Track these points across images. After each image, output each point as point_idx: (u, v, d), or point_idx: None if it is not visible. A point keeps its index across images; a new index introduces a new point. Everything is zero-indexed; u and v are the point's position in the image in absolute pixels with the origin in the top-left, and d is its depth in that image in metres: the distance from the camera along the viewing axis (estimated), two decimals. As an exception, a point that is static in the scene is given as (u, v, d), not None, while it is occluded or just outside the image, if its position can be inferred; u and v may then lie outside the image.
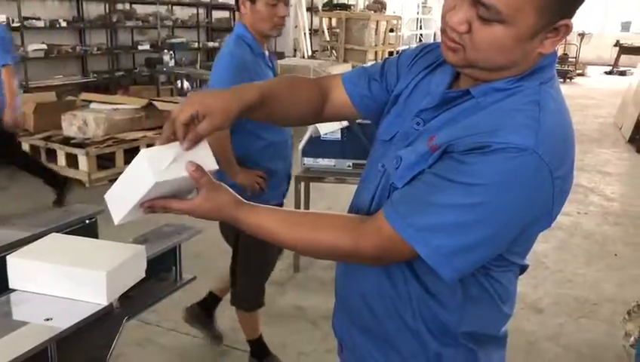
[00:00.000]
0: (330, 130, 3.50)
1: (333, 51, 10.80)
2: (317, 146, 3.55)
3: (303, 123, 1.35)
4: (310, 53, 11.66)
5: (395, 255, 1.03)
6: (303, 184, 3.76)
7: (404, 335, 1.14)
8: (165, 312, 3.12)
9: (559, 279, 3.89)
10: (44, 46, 7.88)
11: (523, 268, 1.17)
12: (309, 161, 3.60)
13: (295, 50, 12.32)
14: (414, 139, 1.07)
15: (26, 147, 5.82)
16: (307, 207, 4.00)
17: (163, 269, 1.42)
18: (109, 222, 1.34)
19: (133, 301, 1.26)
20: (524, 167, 0.92)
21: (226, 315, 3.24)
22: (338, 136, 3.52)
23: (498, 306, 1.14)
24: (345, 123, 3.45)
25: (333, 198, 4.82)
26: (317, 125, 3.51)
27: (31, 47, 7.67)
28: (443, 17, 0.99)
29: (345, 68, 9.13)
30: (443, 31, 1.00)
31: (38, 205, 4.88)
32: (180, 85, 8.59)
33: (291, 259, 3.79)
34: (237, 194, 1.10)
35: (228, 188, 1.10)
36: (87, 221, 1.51)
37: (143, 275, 1.24)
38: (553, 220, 1.04)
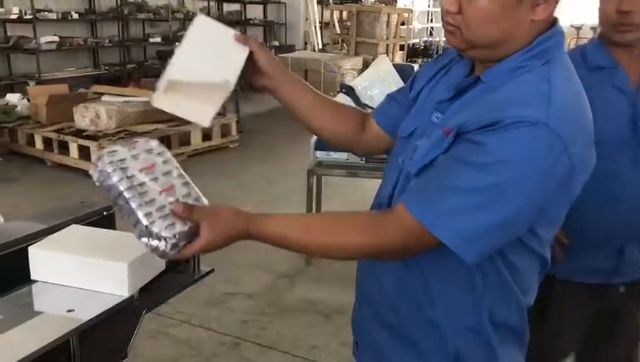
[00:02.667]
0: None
1: (344, 44, 10.77)
2: (330, 140, 3.53)
3: (338, 142, 1.37)
4: (321, 46, 11.64)
5: (420, 244, 1.01)
6: (315, 178, 3.75)
7: (424, 330, 1.14)
8: (178, 304, 3.13)
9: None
10: (57, 38, 7.91)
11: (544, 263, 1.15)
12: (321, 155, 3.59)
13: (305, 44, 12.31)
14: (432, 131, 1.08)
15: (38, 139, 5.86)
16: (319, 200, 3.99)
17: (180, 262, 1.42)
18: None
19: (152, 293, 1.26)
20: (537, 140, 0.93)
21: (237, 309, 3.25)
22: (351, 129, 3.50)
23: (517, 297, 1.13)
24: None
25: (346, 192, 4.81)
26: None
27: (43, 40, 7.69)
28: (441, 6, 1.05)
29: (356, 61, 9.10)
30: (442, 18, 1.05)
31: (49, 197, 4.91)
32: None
33: (303, 252, 3.79)
34: (235, 207, 1.06)
35: (224, 205, 1.07)
36: (104, 213, 1.50)
37: (164, 267, 1.24)
38: (572, 199, 1.03)
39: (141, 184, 0.98)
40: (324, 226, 1.07)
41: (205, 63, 1.13)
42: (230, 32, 1.18)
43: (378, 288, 1.18)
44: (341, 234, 1.04)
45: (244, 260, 3.86)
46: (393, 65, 3.55)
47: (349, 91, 3.43)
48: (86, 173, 5.46)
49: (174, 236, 0.96)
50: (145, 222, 0.94)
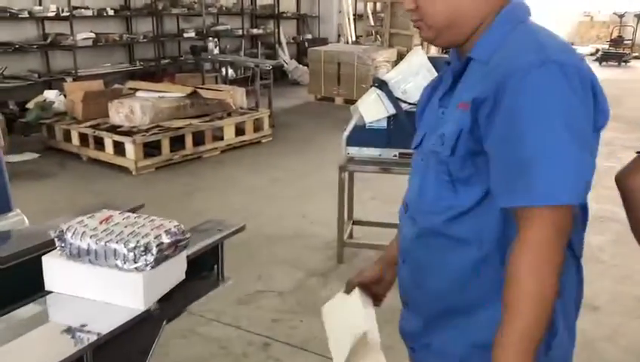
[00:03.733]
0: (375, 118, 3.40)
1: (378, 36, 10.61)
2: (361, 135, 3.45)
3: None
4: (354, 38, 11.51)
5: (560, 230, 1.00)
6: (347, 174, 3.68)
7: (482, 315, 1.12)
8: (209, 301, 3.11)
9: (616, 275, 3.71)
10: (93, 35, 8.00)
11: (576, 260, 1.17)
12: (352, 151, 3.51)
13: (339, 36, 12.19)
14: (445, 120, 1.14)
15: (74, 135, 5.94)
16: (351, 196, 3.92)
17: (205, 268, 1.37)
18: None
19: (173, 302, 1.21)
20: (554, 75, 0.99)
21: (267, 307, 3.21)
22: (384, 124, 3.41)
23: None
24: (392, 110, 3.35)
25: (378, 188, 4.73)
26: (361, 112, 3.41)
27: (80, 36, 7.79)
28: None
29: (390, 53, 8.96)
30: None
31: (84, 192, 4.97)
32: (224, 73, 8.60)
33: (334, 249, 3.73)
34: None
35: None
36: (128, 216, 1.46)
37: (183, 277, 1.20)
38: (600, 127, 1.07)
39: None
40: (517, 308, 1.00)
41: (345, 335, 1.21)
42: (353, 298, 1.28)
43: (434, 289, 1.18)
44: (529, 294, 1.00)
45: (274, 257, 3.82)
46: (428, 57, 3.42)
47: (382, 85, 3.34)
48: (120, 168, 5.52)
49: None
50: None
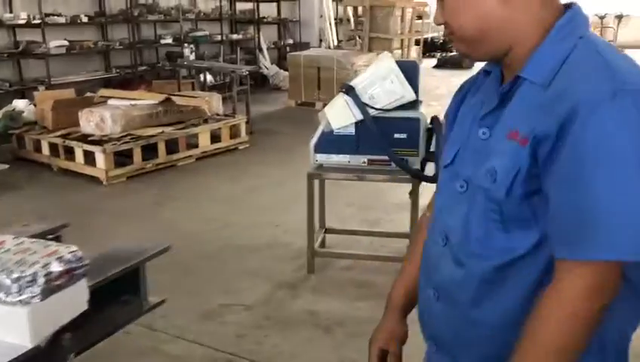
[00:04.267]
0: (343, 124, 3.30)
1: (359, 40, 10.54)
2: (330, 142, 3.35)
3: None
4: (336, 43, 11.43)
5: (609, 283, 0.91)
6: (317, 182, 3.58)
7: None
8: (173, 317, 2.99)
9: None
10: (66, 42, 7.84)
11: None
12: (321, 158, 3.40)
13: (320, 41, 12.11)
14: (491, 148, 1.02)
15: (44, 145, 5.79)
16: (322, 203, 3.82)
17: (126, 292, 1.26)
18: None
19: (84, 333, 1.10)
20: (628, 109, 0.88)
21: (232, 322, 3.10)
22: (352, 130, 3.32)
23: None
24: (359, 116, 3.25)
25: (353, 195, 4.63)
26: (329, 118, 3.32)
27: (52, 44, 7.62)
28: None
29: (369, 57, 8.88)
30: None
31: (53, 204, 4.83)
32: (202, 79, 8.48)
33: (304, 258, 3.62)
34: None
35: None
36: (47, 238, 1.35)
37: (85, 307, 1.09)
38: None
39: None
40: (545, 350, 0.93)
41: None
42: None
43: (482, 326, 1.05)
44: (556, 344, 0.92)
45: (244, 269, 3.71)
46: (397, 62, 3.32)
47: (349, 90, 3.24)
48: (91, 178, 5.38)
49: None
50: None
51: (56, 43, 7.70)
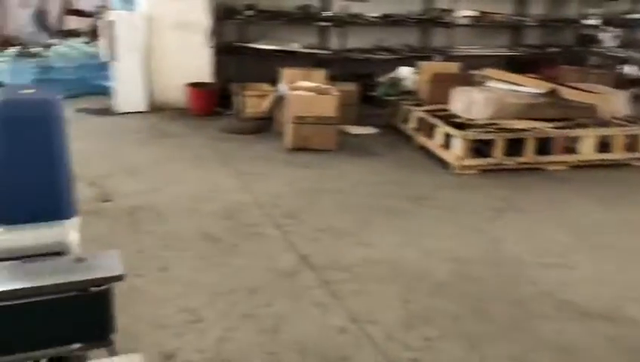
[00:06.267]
0: None
1: None
2: None
3: None
4: None
5: None
6: None
7: None
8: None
9: None
10: (475, 13, 7.47)
11: None
12: None
13: None
14: None
15: (412, 117, 5.60)
16: None
17: None
18: None
19: None
20: None
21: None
22: None
23: None
24: None
25: None
26: None
27: (461, 14, 7.36)
28: None
29: None
30: None
31: (383, 180, 4.59)
32: (621, 71, 7.04)
33: None
34: None
35: None
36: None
37: None
38: None
39: None
40: None
41: None
42: None
43: None
44: None
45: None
46: None
47: None
48: (441, 162, 4.93)
49: None
50: None
51: (465, 13, 7.40)
